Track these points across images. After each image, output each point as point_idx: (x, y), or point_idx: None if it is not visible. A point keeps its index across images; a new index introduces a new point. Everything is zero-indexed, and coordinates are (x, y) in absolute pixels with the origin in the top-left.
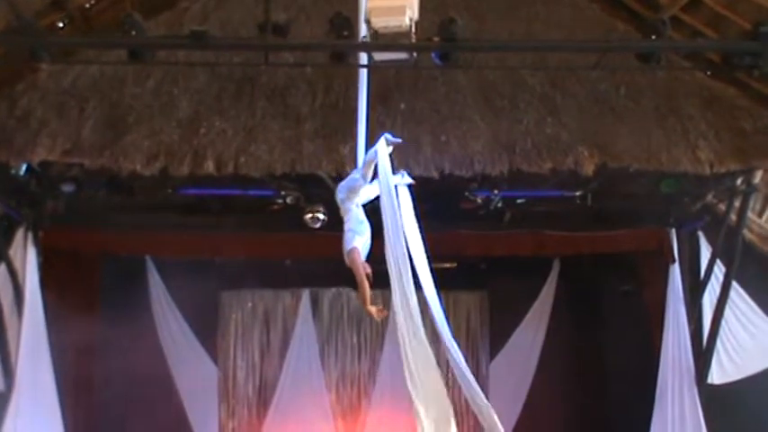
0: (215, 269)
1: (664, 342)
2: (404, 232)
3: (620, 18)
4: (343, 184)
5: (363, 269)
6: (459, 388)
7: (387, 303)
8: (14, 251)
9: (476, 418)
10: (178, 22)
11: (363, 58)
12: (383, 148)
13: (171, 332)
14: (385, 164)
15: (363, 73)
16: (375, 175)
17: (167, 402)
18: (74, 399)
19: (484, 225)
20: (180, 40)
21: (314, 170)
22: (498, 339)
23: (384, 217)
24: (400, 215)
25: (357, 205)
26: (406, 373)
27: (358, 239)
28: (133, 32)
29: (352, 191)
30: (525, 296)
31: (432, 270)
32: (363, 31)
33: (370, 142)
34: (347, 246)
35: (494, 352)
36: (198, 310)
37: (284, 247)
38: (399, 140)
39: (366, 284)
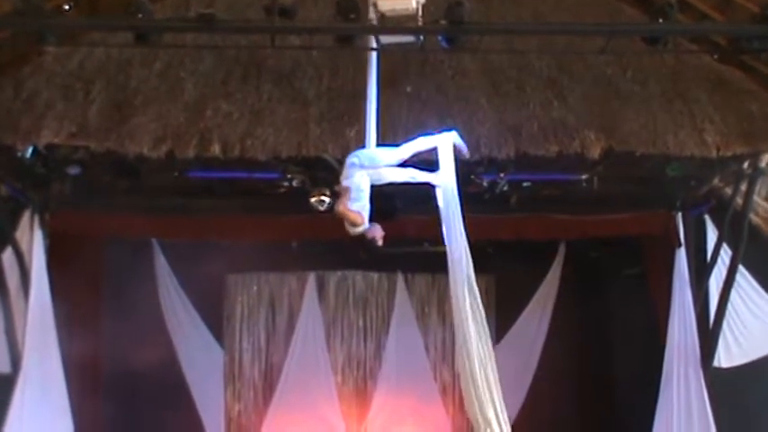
0: (221, 252)
1: (670, 325)
2: (462, 231)
3: (627, 1)
4: (366, 152)
5: (373, 232)
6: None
7: (392, 287)
8: (21, 234)
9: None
10: (185, 4)
11: (372, 41)
12: (448, 146)
13: (177, 315)
14: (449, 162)
15: (373, 56)
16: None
17: (173, 385)
18: (80, 380)
19: (490, 209)
20: (186, 22)
21: (320, 153)
22: (504, 323)
23: (444, 215)
24: (459, 214)
25: (362, 175)
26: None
27: (356, 204)
28: (140, 15)
29: (374, 164)
30: (531, 280)
31: (438, 254)
32: (371, 13)
33: (381, 125)
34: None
35: (499, 335)
36: (204, 293)
37: (290, 229)
38: (466, 153)
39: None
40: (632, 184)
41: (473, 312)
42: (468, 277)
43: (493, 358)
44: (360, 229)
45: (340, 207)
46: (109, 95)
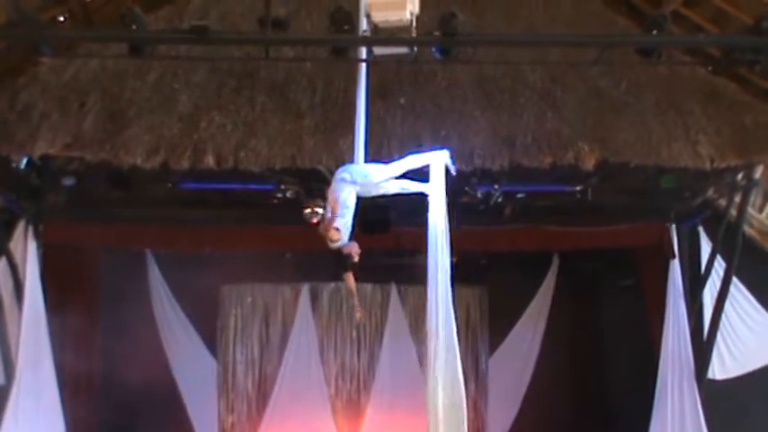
0: (215, 263)
1: (664, 337)
2: (446, 249)
3: (621, 13)
4: (358, 167)
5: (349, 248)
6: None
7: (386, 298)
8: (15, 244)
9: (473, 415)
10: (178, 16)
11: (363, 52)
12: (439, 164)
13: (171, 326)
14: (439, 179)
15: (362, 68)
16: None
17: (167, 396)
18: (74, 391)
19: (484, 220)
20: (180, 34)
21: (314, 165)
22: (498, 334)
23: (430, 228)
24: (447, 231)
25: (351, 191)
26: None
27: (339, 221)
28: (134, 26)
29: (366, 181)
30: (525, 291)
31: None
32: (364, 25)
33: (370, 137)
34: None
35: (493, 347)
36: (198, 304)
37: (284, 241)
38: (453, 171)
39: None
40: (626, 195)
41: (446, 326)
42: (445, 294)
43: (460, 377)
44: (338, 244)
45: (326, 227)
46: (103, 107)
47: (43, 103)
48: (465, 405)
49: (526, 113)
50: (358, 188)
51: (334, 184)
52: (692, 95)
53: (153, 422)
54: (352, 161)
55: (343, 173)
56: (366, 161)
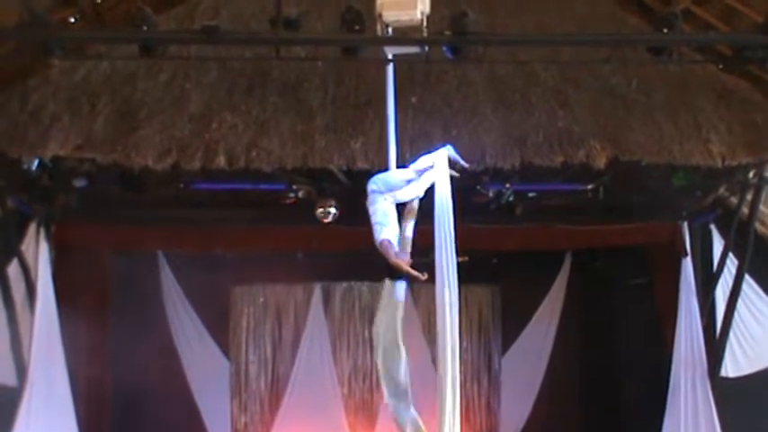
0: (227, 264)
1: (676, 335)
2: (454, 244)
3: (632, 11)
4: (381, 176)
5: (398, 257)
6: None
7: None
8: (26, 246)
9: (486, 414)
10: (189, 16)
11: (388, 54)
12: (443, 160)
13: (183, 327)
14: (444, 177)
15: (390, 70)
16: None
17: (179, 397)
18: (86, 392)
19: (495, 219)
20: (191, 34)
21: (325, 164)
22: (510, 333)
23: (436, 227)
24: (453, 229)
25: (385, 198)
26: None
27: (386, 231)
28: (144, 27)
29: (390, 188)
30: (537, 290)
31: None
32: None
33: (383, 137)
34: (377, 238)
35: (506, 346)
36: (210, 304)
37: (296, 241)
38: (465, 164)
39: (406, 268)
40: (638, 193)
41: (450, 324)
42: (450, 290)
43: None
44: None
45: (386, 248)
46: (114, 108)
47: (54, 105)
48: (458, 409)
49: (537, 112)
50: (388, 197)
51: (368, 196)
52: (704, 94)
53: (166, 422)
54: (365, 161)
55: (372, 184)
56: (378, 162)
